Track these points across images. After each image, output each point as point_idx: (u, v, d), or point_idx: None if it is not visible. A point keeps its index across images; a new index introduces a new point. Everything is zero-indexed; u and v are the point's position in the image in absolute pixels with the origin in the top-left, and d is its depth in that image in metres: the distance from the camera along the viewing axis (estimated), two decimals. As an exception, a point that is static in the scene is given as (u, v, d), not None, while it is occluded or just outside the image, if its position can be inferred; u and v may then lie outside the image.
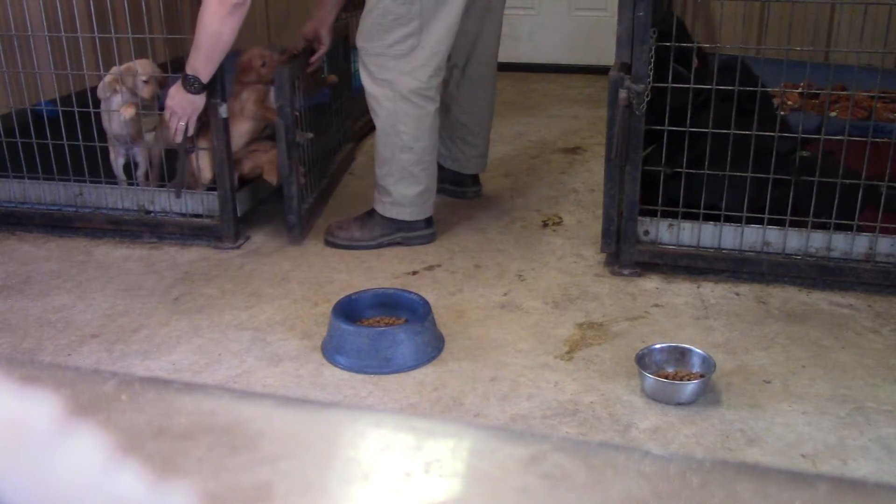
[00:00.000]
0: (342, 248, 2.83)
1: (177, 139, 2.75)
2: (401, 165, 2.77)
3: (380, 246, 2.85)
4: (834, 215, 2.43)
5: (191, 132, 2.75)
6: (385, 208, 2.84)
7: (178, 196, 2.85)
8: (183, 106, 2.67)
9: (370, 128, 4.06)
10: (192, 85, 2.64)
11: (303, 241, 2.89)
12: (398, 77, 2.69)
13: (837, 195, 2.41)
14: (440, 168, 3.26)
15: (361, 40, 2.73)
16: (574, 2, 5.43)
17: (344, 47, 3.69)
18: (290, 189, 2.81)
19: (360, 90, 3.99)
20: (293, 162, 2.79)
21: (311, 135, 2.92)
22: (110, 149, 3.01)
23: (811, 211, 2.47)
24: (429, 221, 2.90)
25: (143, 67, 2.89)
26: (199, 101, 2.69)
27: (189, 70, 2.63)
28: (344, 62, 3.66)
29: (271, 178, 2.89)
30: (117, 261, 2.78)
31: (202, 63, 2.62)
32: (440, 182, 3.12)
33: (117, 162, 3.01)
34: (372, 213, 2.88)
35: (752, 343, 2.22)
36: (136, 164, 3.02)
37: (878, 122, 3.50)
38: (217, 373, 2.12)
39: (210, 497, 0.48)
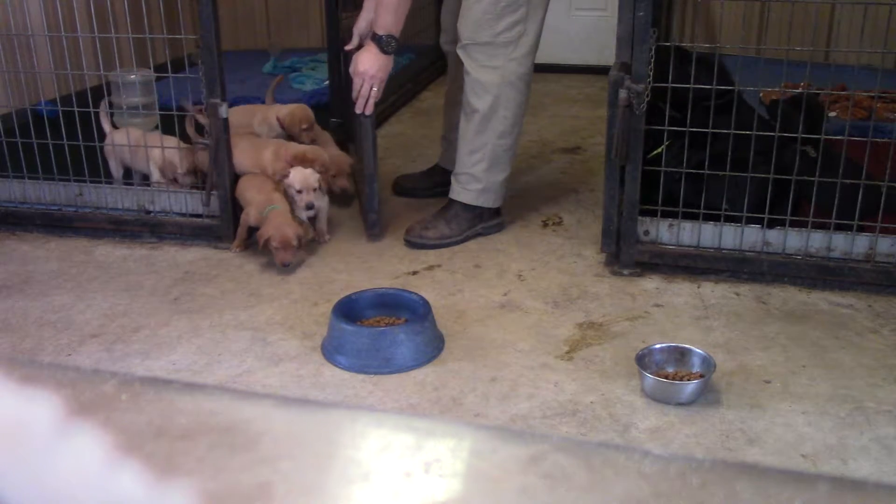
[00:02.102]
0: (432, 247, 2.82)
1: (368, 110, 2.71)
2: (495, 152, 2.83)
3: (466, 240, 2.87)
4: (835, 214, 2.43)
5: (378, 97, 2.71)
6: (471, 196, 2.87)
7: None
8: (378, 68, 2.65)
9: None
10: (388, 45, 2.63)
11: (382, 238, 2.90)
12: (506, 63, 2.76)
13: (838, 192, 2.41)
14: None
15: (468, 31, 2.76)
16: (574, 2, 5.43)
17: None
18: (372, 187, 2.82)
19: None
20: (376, 160, 2.81)
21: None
22: (113, 162, 3.02)
23: (811, 207, 2.47)
24: (499, 211, 2.97)
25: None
26: (391, 62, 2.70)
27: (381, 31, 2.62)
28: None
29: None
30: (117, 261, 2.78)
31: (393, 20, 2.62)
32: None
33: (119, 171, 3.04)
34: (451, 205, 2.90)
35: (752, 343, 2.22)
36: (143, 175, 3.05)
37: (878, 122, 3.50)
38: (217, 373, 2.12)
39: (210, 497, 0.48)
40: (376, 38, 2.63)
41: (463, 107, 2.85)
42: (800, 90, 2.77)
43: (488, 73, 2.76)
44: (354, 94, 2.69)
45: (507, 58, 2.74)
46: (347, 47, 2.87)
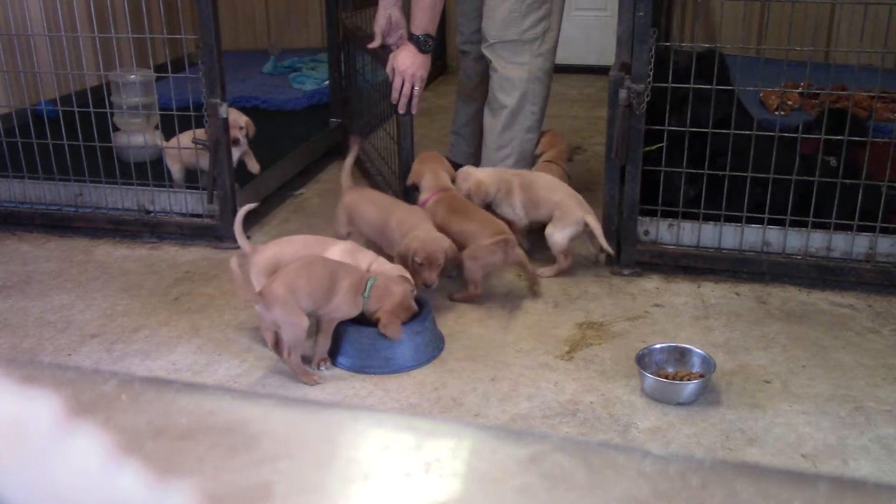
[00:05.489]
0: None
1: (414, 109, 2.74)
2: (522, 146, 2.91)
3: None
4: (834, 215, 2.43)
5: (420, 96, 2.74)
6: None
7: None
8: (417, 66, 2.68)
9: (371, 127, 4.08)
10: (425, 44, 2.67)
11: None
12: (532, 59, 2.83)
13: (839, 199, 2.41)
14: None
15: (495, 30, 2.82)
16: (574, 2, 5.42)
17: (346, 47, 3.69)
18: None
19: (365, 88, 4.01)
20: (412, 158, 2.84)
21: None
22: (177, 166, 2.97)
23: (811, 210, 2.47)
24: None
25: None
26: (429, 61, 2.73)
27: (418, 31, 2.66)
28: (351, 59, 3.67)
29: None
30: (117, 261, 2.78)
31: (428, 20, 2.66)
32: None
33: (181, 174, 2.99)
34: None
35: (752, 343, 2.22)
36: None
37: (878, 122, 3.49)
38: (217, 373, 2.12)
39: (210, 497, 0.48)
40: (413, 38, 2.67)
41: (489, 103, 2.90)
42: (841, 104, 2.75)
43: (516, 70, 2.82)
44: (395, 93, 2.71)
45: (533, 54, 2.81)
46: (370, 46, 2.88)
